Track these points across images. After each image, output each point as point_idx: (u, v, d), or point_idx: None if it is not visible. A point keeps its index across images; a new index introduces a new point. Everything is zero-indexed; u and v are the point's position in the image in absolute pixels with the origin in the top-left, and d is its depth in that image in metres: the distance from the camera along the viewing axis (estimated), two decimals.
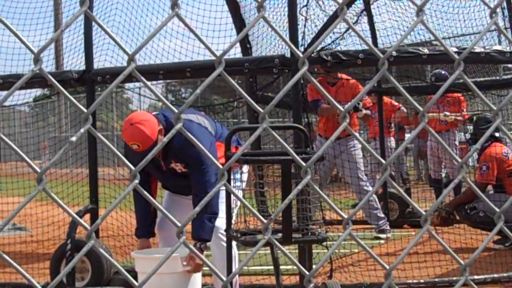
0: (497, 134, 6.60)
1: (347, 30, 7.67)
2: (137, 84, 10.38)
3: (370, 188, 7.24)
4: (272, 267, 5.15)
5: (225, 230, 3.77)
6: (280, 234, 3.76)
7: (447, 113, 8.86)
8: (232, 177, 3.98)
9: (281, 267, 3.96)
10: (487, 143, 6.46)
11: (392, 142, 10.23)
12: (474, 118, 6.83)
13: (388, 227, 7.27)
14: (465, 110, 9.32)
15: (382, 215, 7.28)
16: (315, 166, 6.84)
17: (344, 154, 7.17)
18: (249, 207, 1.35)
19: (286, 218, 3.41)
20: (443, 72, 9.22)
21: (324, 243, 3.72)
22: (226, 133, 3.81)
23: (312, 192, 3.65)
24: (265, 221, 1.27)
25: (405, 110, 10.28)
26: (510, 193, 6.26)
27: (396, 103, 10.14)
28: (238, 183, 4.16)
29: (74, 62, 10.95)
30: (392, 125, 10.35)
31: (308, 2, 7.80)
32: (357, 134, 1.37)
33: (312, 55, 5.15)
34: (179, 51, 8.38)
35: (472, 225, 6.42)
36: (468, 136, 6.92)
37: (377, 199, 7.34)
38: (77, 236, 4.85)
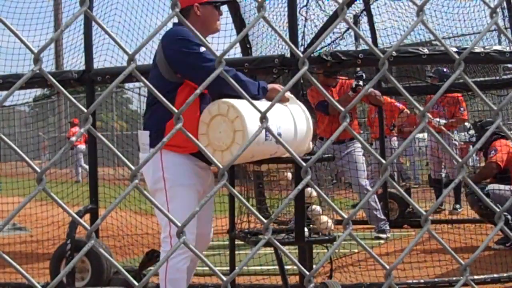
0: (502, 134, 6.60)
1: (347, 30, 7.68)
2: (137, 84, 10.38)
3: (371, 189, 7.24)
4: (271, 267, 5.17)
5: (228, 231, 3.77)
6: (282, 234, 3.76)
7: (440, 121, 8.85)
8: None
9: None
10: (493, 138, 6.43)
11: (394, 142, 10.21)
12: (478, 124, 6.81)
13: (388, 227, 7.27)
14: (462, 109, 9.31)
15: (383, 217, 7.28)
16: (325, 167, 6.86)
17: (346, 156, 7.18)
18: (249, 207, 1.35)
19: (299, 218, 3.41)
20: (445, 69, 9.22)
21: (325, 243, 3.73)
22: None
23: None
24: (265, 221, 1.27)
25: (408, 111, 10.27)
26: None
27: (398, 104, 10.12)
28: None
29: (74, 62, 10.96)
30: (396, 128, 10.34)
31: (308, 2, 7.81)
32: (357, 135, 1.37)
33: (312, 55, 5.15)
34: None
35: (479, 211, 6.25)
36: (471, 137, 6.89)
37: (377, 200, 7.34)
38: (77, 236, 4.85)
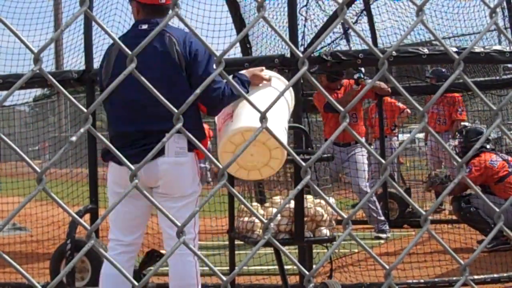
0: (488, 146, 6.62)
1: (347, 30, 7.68)
2: None
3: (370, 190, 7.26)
4: (271, 267, 5.17)
5: (228, 231, 3.77)
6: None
7: None
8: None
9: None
10: (477, 152, 6.46)
11: (395, 142, 10.21)
12: (464, 131, 6.83)
13: (387, 228, 7.27)
14: (460, 110, 9.31)
15: (382, 218, 7.27)
16: (325, 167, 6.86)
17: (351, 158, 7.18)
18: (249, 207, 1.35)
19: (298, 218, 3.40)
20: (443, 70, 9.22)
21: (324, 243, 3.73)
22: None
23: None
24: (265, 221, 1.27)
25: (409, 111, 10.27)
26: (499, 197, 6.29)
27: (400, 105, 10.12)
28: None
29: (74, 62, 10.98)
30: (396, 128, 10.35)
31: (308, 2, 7.81)
32: (357, 135, 1.37)
33: (312, 55, 5.15)
34: None
35: (462, 218, 6.47)
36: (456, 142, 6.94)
37: (377, 201, 7.34)
38: (77, 236, 4.85)
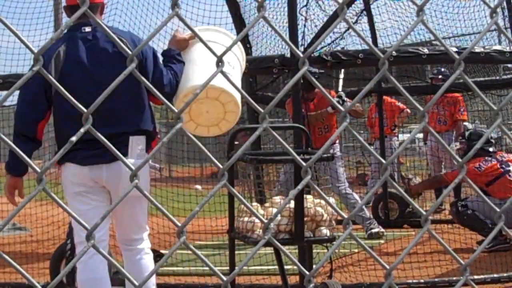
0: (491, 149, 6.59)
1: (347, 30, 7.69)
2: None
3: (349, 191, 7.12)
4: (271, 267, 5.17)
5: (228, 231, 3.77)
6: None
7: None
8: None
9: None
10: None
11: (395, 142, 10.22)
12: (467, 133, 6.84)
13: (376, 224, 7.14)
14: (461, 110, 9.32)
15: (368, 215, 7.20)
16: (325, 167, 6.83)
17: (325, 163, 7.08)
18: (249, 207, 1.34)
19: (298, 217, 3.40)
20: (443, 69, 9.23)
21: (324, 243, 3.73)
22: None
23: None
24: (265, 221, 1.27)
25: (409, 111, 10.27)
26: (494, 197, 6.28)
27: (400, 105, 10.12)
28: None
29: None
30: (396, 128, 10.36)
31: (308, 2, 7.81)
32: (357, 134, 1.37)
33: (312, 55, 5.15)
34: None
35: (460, 222, 6.50)
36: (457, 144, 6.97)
37: (359, 200, 7.24)
38: None
